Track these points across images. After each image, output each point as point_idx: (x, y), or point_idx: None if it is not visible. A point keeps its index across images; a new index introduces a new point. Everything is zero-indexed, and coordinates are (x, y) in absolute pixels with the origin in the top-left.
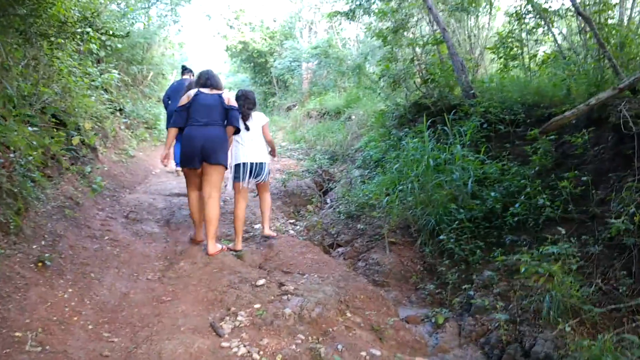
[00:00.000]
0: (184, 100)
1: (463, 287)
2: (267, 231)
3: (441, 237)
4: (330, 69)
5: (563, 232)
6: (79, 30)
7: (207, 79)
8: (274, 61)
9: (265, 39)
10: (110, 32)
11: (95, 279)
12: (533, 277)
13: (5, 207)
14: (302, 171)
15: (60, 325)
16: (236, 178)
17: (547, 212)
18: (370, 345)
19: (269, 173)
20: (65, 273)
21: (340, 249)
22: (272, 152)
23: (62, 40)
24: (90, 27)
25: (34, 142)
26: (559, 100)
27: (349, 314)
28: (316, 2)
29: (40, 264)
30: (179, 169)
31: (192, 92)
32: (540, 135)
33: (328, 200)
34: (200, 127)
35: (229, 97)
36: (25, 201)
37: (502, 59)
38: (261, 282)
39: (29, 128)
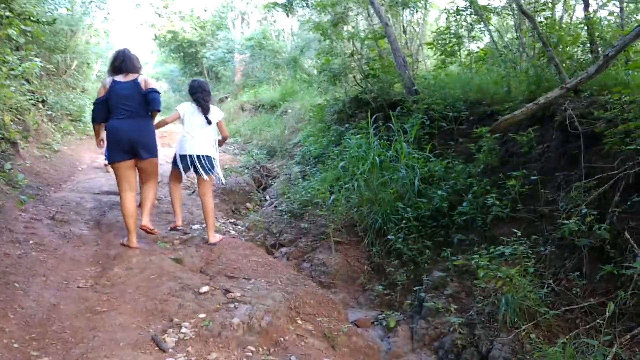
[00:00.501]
0: (100, 92)
1: (413, 288)
2: (213, 239)
3: (389, 236)
4: (265, 61)
5: (518, 233)
6: None
7: (122, 62)
8: (206, 52)
9: (195, 29)
10: (34, 18)
11: (20, 289)
12: (491, 280)
13: None
14: (240, 167)
15: None
16: (175, 166)
17: (495, 211)
18: (323, 354)
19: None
20: None
21: (283, 249)
22: (220, 144)
23: None
24: (10, 10)
25: None
26: (501, 98)
27: (299, 321)
28: None
29: None
30: (108, 164)
31: (108, 81)
32: (491, 134)
33: (267, 197)
34: (124, 120)
35: (146, 79)
36: None
37: (440, 55)
38: (205, 289)
39: None
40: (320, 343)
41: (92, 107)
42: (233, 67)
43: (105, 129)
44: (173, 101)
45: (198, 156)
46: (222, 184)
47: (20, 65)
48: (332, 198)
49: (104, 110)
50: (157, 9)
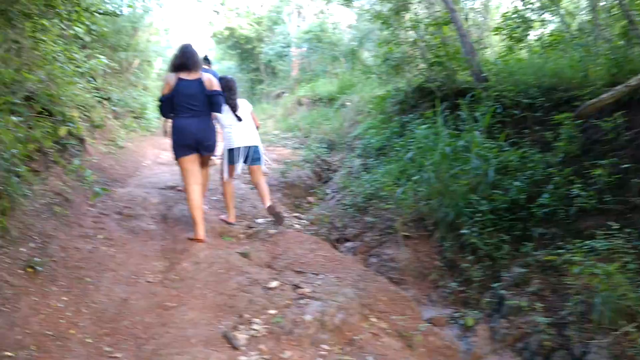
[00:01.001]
0: (165, 89)
1: (490, 285)
2: (269, 202)
3: (463, 231)
4: (322, 54)
5: (614, 225)
6: (65, 10)
7: (187, 60)
8: (263, 47)
9: (252, 25)
10: (100, 11)
11: (91, 283)
12: (584, 277)
13: None
14: (300, 161)
15: (56, 341)
16: (231, 161)
17: (579, 203)
18: (400, 355)
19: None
20: (58, 279)
21: (348, 244)
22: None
23: (47, 22)
24: (77, 5)
25: (20, 134)
26: (578, 83)
27: (373, 319)
28: None
29: (30, 270)
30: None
31: (173, 80)
32: (574, 120)
33: (329, 191)
34: (190, 119)
35: (210, 79)
36: (10, 199)
37: (509, 40)
38: (274, 284)
39: (13, 118)
40: (396, 342)
41: (157, 103)
42: (290, 61)
43: (172, 128)
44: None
45: (247, 147)
46: (267, 170)
47: (86, 63)
48: (399, 191)
49: (169, 106)
50: (215, 6)
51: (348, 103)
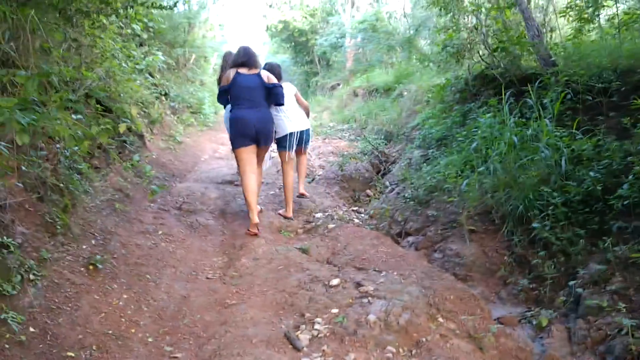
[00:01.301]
0: (223, 81)
1: (565, 282)
2: (302, 190)
3: (534, 224)
4: (378, 44)
5: None
6: (122, 8)
7: (247, 59)
8: (317, 39)
9: (305, 17)
10: (157, 3)
11: (152, 280)
12: None
13: (50, 204)
14: (357, 153)
15: (116, 340)
16: (283, 147)
17: None
18: (472, 357)
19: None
20: (118, 276)
21: (410, 238)
22: (307, 115)
23: (105, 20)
24: (134, 1)
25: (79, 133)
26: None
27: (441, 319)
28: None
29: (91, 267)
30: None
31: (231, 73)
32: None
33: (387, 184)
34: (249, 110)
35: (268, 75)
36: (72, 196)
37: (578, 21)
38: (335, 281)
39: (73, 116)
40: (466, 345)
41: (215, 95)
42: (344, 52)
43: (230, 120)
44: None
45: (301, 131)
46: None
47: (144, 60)
48: (464, 183)
49: (226, 98)
50: (268, 0)
51: (405, 93)
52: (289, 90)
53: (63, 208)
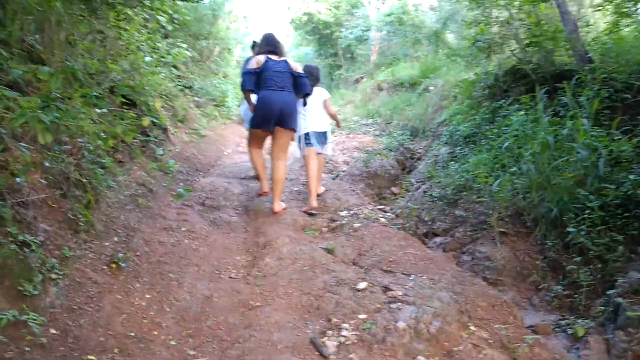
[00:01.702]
0: (253, 64)
1: (602, 290)
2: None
3: (569, 229)
4: (405, 37)
5: None
6: None
7: (276, 47)
8: (342, 31)
9: (330, 9)
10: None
11: (174, 279)
12: None
13: (73, 200)
14: (383, 149)
15: (139, 343)
16: (308, 144)
17: None
18: None
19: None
20: (141, 274)
21: (438, 239)
22: (337, 124)
23: (130, 11)
24: None
25: (104, 132)
26: None
27: (472, 328)
28: None
29: (113, 265)
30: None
31: (262, 58)
32: None
33: (413, 181)
34: (277, 91)
35: (296, 65)
36: (95, 192)
37: (616, 16)
38: (362, 285)
39: (97, 110)
40: (499, 355)
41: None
42: (369, 45)
43: (257, 99)
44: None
45: (315, 133)
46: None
47: (169, 52)
48: (496, 183)
49: (254, 80)
50: None
51: (432, 88)
52: (321, 95)
53: (86, 204)
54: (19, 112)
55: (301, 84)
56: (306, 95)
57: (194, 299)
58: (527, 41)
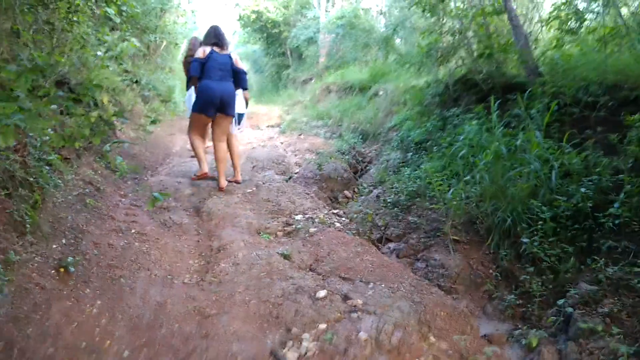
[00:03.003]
0: (200, 54)
1: (554, 301)
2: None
3: (523, 239)
4: (356, 41)
5: None
6: None
7: (220, 40)
8: (292, 31)
9: (279, 9)
10: None
11: (126, 285)
12: None
13: (19, 200)
14: (335, 152)
15: (90, 355)
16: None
17: None
18: None
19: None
20: (91, 279)
21: (391, 245)
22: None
23: (81, 2)
24: None
25: (53, 130)
26: None
27: (432, 339)
28: None
29: (62, 270)
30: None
31: (207, 49)
32: None
33: (365, 185)
34: (218, 81)
35: (237, 59)
36: (41, 191)
37: (561, 33)
38: (322, 293)
39: (53, 107)
40: None
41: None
42: (318, 47)
43: (199, 87)
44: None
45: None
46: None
47: (118, 46)
48: (451, 191)
49: (200, 69)
50: None
51: (381, 92)
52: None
53: (32, 204)
54: None
55: (241, 79)
56: (245, 89)
57: (146, 305)
58: (478, 52)
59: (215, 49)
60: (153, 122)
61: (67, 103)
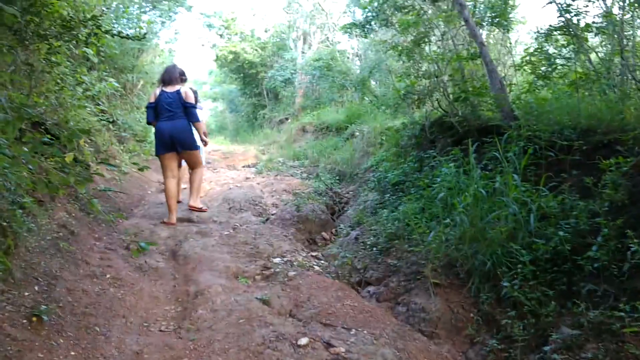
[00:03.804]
0: (151, 98)
1: (536, 345)
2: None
3: (504, 283)
4: (333, 82)
5: None
6: (85, 31)
7: (169, 77)
8: (269, 72)
9: (256, 50)
10: (125, 34)
11: (101, 333)
12: None
13: None
14: (312, 192)
15: None
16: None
17: (637, 259)
18: None
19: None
20: (65, 328)
21: (370, 288)
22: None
23: (63, 44)
24: (98, 27)
25: (28, 164)
26: (617, 126)
27: None
28: (311, 13)
29: (34, 319)
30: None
31: (158, 91)
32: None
33: (343, 226)
34: (166, 121)
35: (186, 92)
36: (14, 236)
37: (533, 77)
38: (304, 340)
39: (25, 149)
40: None
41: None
42: (295, 88)
43: (155, 129)
44: (229, 121)
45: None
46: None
47: (96, 86)
48: (431, 234)
49: (153, 113)
50: (219, 30)
51: (357, 133)
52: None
53: (5, 250)
54: None
55: (189, 113)
56: (196, 121)
57: (122, 355)
58: (454, 96)
59: (165, 88)
60: (141, 169)
61: (51, 149)
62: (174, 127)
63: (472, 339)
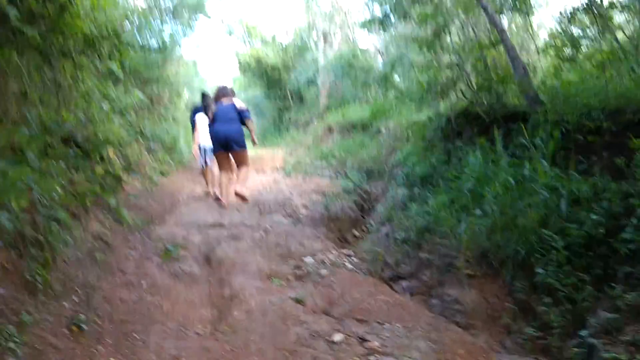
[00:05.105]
0: (213, 109)
1: (574, 331)
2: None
3: (538, 270)
4: (355, 80)
5: None
6: (106, 46)
7: (221, 93)
8: (292, 74)
9: (278, 53)
10: (148, 47)
11: (139, 339)
12: None
13: (30, 260)
14: (341, 191)
15: None
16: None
17: None
18: None
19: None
20: (104, 336)
21: (403, 283)
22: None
23: (86, 60)
24: (119, 41)
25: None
26: None
27: None
28: (330, 13)
29: (74, 328)
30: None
31: (213, 106)
32: None
33: (373, 223)
34: (223, 124)
35: (240, 104)
36: (51, 249)
37: (560, 60)
38: (338, 337)
39: (57, 163)
40: None
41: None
42: (318, 88)
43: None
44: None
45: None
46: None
47: (122, 99)
48: (463, 227)
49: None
50: (240, 37)
51: (383, 129)
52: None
53: (43, 263)
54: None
55: (244, 116)
56: (246, 118)
57: None
58: (478, 85)
59: (222, 101)
60: (162, 173)
61: (75, 161)
62: (229, 130)
63: (508, 328)
